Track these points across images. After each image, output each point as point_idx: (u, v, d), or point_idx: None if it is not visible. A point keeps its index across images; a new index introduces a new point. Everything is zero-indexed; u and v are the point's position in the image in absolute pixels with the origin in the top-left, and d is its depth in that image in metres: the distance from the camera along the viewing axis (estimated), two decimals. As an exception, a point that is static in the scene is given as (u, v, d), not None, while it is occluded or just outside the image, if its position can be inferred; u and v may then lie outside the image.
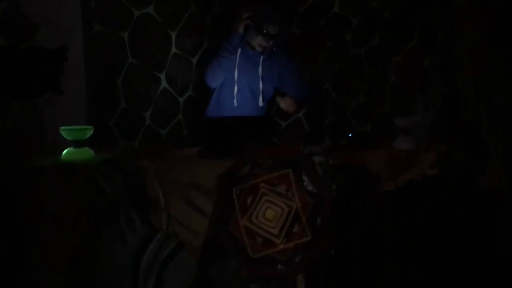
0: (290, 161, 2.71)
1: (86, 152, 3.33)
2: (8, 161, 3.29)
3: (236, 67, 4.00)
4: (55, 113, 3.61)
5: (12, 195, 3.02)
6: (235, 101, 4.02)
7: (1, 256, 2.97)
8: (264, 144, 3.23)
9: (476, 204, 2.61)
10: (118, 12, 3.90)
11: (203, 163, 3.28)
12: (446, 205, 2.58)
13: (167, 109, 4.16)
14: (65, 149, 3.34)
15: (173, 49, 4.13)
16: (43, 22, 3.58)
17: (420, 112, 4.28)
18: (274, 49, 4.01)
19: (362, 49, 4.45)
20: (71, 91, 3.64)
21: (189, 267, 2.44)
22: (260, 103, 4.05)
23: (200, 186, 3.15)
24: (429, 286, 2.57)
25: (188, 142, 4.15)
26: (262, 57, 4.01)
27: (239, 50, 3.98)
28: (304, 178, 2.70)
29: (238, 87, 4.02)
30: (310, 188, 2.69)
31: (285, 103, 4.00)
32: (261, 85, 4.04)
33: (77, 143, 3.32)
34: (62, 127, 3.34)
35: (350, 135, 3.71)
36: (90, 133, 3.37)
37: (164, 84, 4.12)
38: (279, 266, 2.66)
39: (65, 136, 3.33)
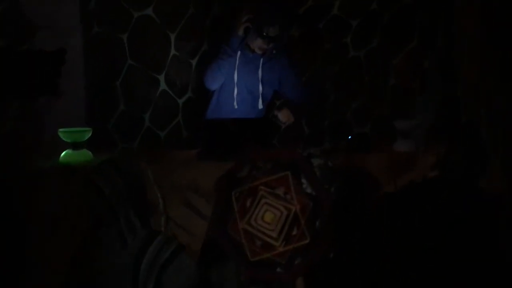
0: (289, 163, 2.70)
1: (85, 154, 3.32)
2: (7, 162, 3.28)
3: (236, 69, 4.00)
4: (54, 115, 3.61)
5: (11, 196, 3.02)
6: (235, 103, 4.02)
7: (1, 256, 2.97)
8: (263, 147, 3.23)
9: (476, 205, 2.60)
10: (117, 14, 3.90)
11: (202, 165, 3.28)
12: (446, 207, 2.58)
13: (166, 111, 4.16)
14: (63, 151, 3.34)
15: (172, 51, 4.13)
16: (43, 24, 3.58)
17: (419, 114, 4.28)
18: (274, 52, 4.01)
19: (361, 51, 4.45)
20: (70, 92, 3.64)
21: (189, 270, 2.44)
22: (260, 106, 4.05)
23: (199, 188, 3.15)
24: (428, 289, 2.57)
25: (187, 144, 4.15)
26: (262, 60, 4.01)
27: (239, 52, 3.98)
28: (303, 180, 2.69)
29: (238, 89, 4.02)
30: (309, 190, 2.68)
31: (283, 115, 3.98)
32: (260, 88, 4.04)
33: (75, 145, 3.32)
34: (60, 129, 3.34)
35: (349, 137, 3.71)
36: (88, 135, 3.36)
37: (163, 86, 4.12)
38: (278, 269, 2.65)
39: (63, 138, 3.33)
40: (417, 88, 4.37)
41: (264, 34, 3.89)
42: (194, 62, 4.23)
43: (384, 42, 4.41)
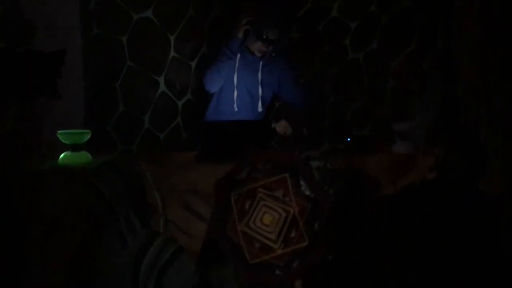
0: (287, 165, 2.70)
1: (84, 156, 3.31)
2: (6, 163, 3.28)
3: (236, 72, 4.00)
4: (54, 115, 3.61)
5: (11, 196, 3.02)
6: (235, 106, 4.02)
7: (1, 256, 2.97)
8: (263, 149, 3.23)
9: (475, 207, 2.60)
10: (117, 16, 3.90)
11: (201, 167, 3.27)
12: (445, 208, 2.58)
13: (166, 113, 4.16)
14: (63, 152, 3.33)
15: (172, 53, 4.12)
16: (42, 25, 3.58)
17: (418, 116, 4.28)
18: (273, 54, 4.01)
19: (360, 54, 4.45)
20: (70, 94, 3.64)
21: (189, 271, 2.44)
22: (260, 109, 4.05)
23: (198, 190, 3.14)
24: (428, 290, 2.57)
25: (187, 145, 4.15)
26: (261, 62, 4.01)
27: (239, 55, 3.98)
28: (302, 182, 2.69)
29: (237, 92, 4.02)
30: (307, 192, 2.68)
31: (280, 128, 3.97)
32: (260, 91, 4.04)
33: (74, 147, 3.31)
34: (59, 131, 3.33)
35: (348, 139, 3.71)
36: (87, 137, 3.35)
37: (162, 87, 4.12)
38: (277, 272, 2.65)
39: (62, 140, 3.32)
40: (416, 90, 4.37)
41: (264, 36, 3.89)
42: (193, 64, 4.23)
43: (383, 44, 4.41)
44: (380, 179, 3.20)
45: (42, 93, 3.50)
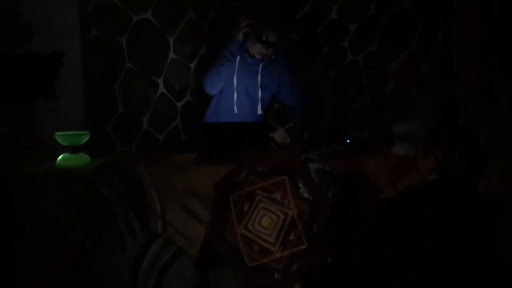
0: (286, 168, 2.70)
1: (82, 158, 3.31)
2: (5, 164, 3.28)
3: (235, 74, 4.00)
4: (53, 117, 3.60)
5: (11, 196, 3.02)
6: (235, 108, 4.01)
7: (1, 256, 2.96)
8: (262, 151, 3.23)
9: (475, 208, 2.60)
10: (116, 17, 3.90)
11: (200, 169, 3.27)
12: (445, 209, 2.58)
13: (165, 114, 4.16)
14: (61, 154, 3.33)
15: (171, 54, 4.12)
16: (41, 26, 3.58)
17: (418, 117, 4.27)
18: (273, 57, 4.01)
19: (360, 55, 4.45)
20: (69, 96, 3.64)
21: (189, 273, 2.44)
22: (259, 111, 4.05)
23: (196, 192, 3.14)
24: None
25: (186, 147, 4.14)
26: (261, 65, 4.01)
27: (238, 57, 3.98)
28: (300, 185, 2.68)
29: (237, 94, 4.02)
30: (306, 195, 2.67)
31: (278, 137, 3.96)
32: (260, 93, 4.04)
33: (73, 149, 3.31)
34: (57, 133, 3.33)
35: (348, 140, 3.70)
36: (86, 138, 3.35)
37: (161, 89, 4.11)
38: (276, 275, 2.64)
39: (60, 142, 3.32)
40: (416, 91, 4.37)
41: (264, 39, 3.89)
42: (192, 65, 4.23)
43: (382, 46, 4.40)
44: (379, 181, 3.19)
45: (41, 95, 3.49)
